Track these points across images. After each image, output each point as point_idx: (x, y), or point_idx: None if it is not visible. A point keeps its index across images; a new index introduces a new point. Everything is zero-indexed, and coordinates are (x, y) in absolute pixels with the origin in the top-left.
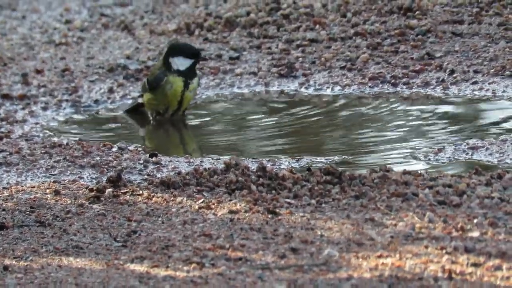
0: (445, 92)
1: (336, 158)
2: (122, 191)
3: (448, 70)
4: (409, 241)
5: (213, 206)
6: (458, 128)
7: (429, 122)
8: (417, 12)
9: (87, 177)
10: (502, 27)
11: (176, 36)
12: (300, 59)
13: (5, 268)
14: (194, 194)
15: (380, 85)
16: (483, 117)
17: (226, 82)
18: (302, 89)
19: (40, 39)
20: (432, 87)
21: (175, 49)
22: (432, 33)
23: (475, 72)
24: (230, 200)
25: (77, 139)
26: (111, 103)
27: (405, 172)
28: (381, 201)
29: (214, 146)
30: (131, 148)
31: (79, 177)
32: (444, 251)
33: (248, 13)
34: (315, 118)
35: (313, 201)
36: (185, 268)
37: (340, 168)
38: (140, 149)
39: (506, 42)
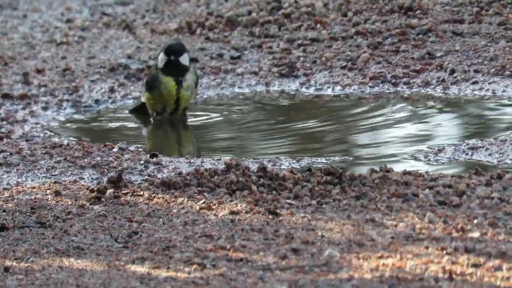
0: (446, 92)
1: (336, 158)
2: (123, 191)
3: (448, 69)
4: (409, 242)
5: (214, 207)
6: (458, 128)
7: (429, 122)
8: (418, 12)
9: (87, 177)
10: (502, 27)
11: (178, 35)
12: (301, 58)
13: (6, 269)
14: (195, 194)
15: (381, 85)
16: (483, 117)
17: (227, 81)
18: (303, 89)
19: (41, 39)
20: (432, 86)
21: (163, 47)
22: (432, 32)
23: (475, 71)
24: (231, 201)
25: (77, 139)
26: (112, 103)
27: (405, 173)
28: (382, 202)
29: (214, 147)
30: (131, 148)
31: (79, 177)
32: (444, 251)
33: (249, 12)
34: (315, 118)
35: (313, 202)
36: (186, 269)
37: (340, 169)
38: (140, 149)
39: (506, 41)
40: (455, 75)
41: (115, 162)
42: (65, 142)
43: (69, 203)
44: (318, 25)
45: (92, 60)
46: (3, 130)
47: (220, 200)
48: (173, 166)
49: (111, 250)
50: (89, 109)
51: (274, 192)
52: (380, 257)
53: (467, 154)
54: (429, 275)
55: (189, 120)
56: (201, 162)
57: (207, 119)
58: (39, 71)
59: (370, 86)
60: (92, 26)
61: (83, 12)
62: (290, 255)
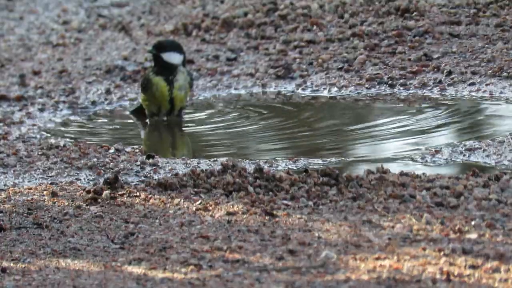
0: (442, 93)
1: (333, 159)
2: (119, 192)
3: (445, 71)
4: (406, 243)
5: (210, 208)
6: (455, 129)
7: (426, 123)
8: (415, 13)
9: (84, 178)
10: (499, 28)
11: (174, 37)
12: (297, 60)
13: (3, 270)
14: (191, 195)
15: (377, 86)
16: (480, 118)
17: (223, 83)
18: (299, 90)
19: (38, 40)
20: (429, 88)
21: None
22: (429, 34)
23: (473, 73)
24: (228, 202)
25: (74, 140)
26: (108, 105)
27: (402, 174)
28: (379, 203)
29: (211, 148)
30: (128, 149)
31: (76, 178)
32: (442, 253)
33: (245, 14)
34: (312, 120)
35: (310, 203)
36: (183, 270)
37: (337, 170)
38: (137, 150)
39: (503, 43)
40: (452, 76)
41: (112, 163)
42: (62, 143)
43: (66, 204)
44: (315, 27)
45: (88, 62)
46: (0, 131)
47: (216, 201)
48: (170, 167)
49: (108, 251)
50: (86, 111)
51: (270, 193)
52: (377, 259)
53: (464, 155)
54: (427, 277)
55: (185, 121)
56: (198, 163)
57: (203, 120)
58: (35, 73)
59: (367, 88)
60: (89, 28)
61: (80, 14)
62: (286, 256)
